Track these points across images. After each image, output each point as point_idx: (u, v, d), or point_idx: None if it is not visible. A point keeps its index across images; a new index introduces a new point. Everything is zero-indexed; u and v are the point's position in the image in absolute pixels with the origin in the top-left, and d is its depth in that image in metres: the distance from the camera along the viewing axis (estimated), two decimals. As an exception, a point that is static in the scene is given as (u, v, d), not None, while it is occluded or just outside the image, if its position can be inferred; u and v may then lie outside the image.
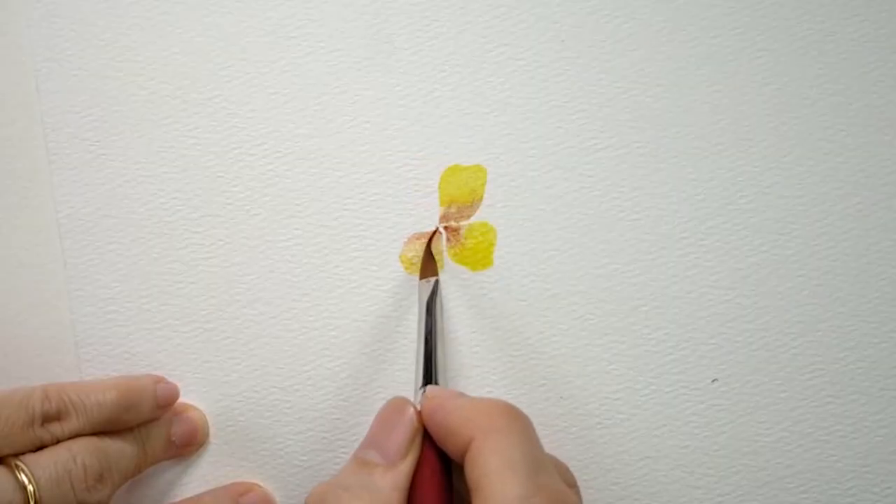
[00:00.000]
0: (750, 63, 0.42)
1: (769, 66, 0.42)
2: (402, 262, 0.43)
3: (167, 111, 0.43)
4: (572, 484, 0.37)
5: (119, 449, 0.39)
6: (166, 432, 0.42)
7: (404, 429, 0.36)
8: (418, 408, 0.37)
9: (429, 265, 0.42)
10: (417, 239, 0.43)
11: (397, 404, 0.38)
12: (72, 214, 0.43)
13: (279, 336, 0.43)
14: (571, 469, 0.42)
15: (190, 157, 0.43)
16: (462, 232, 0.43)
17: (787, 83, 0.42)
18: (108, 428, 0.40)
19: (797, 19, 0.41)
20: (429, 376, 0.39)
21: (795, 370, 0.42)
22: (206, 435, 0.43)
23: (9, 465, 0.36)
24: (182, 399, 0.43)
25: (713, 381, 0.42)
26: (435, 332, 0.40)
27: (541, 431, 0.42)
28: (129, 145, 0.43)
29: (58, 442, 0.38)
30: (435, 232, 0.42)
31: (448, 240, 0.43)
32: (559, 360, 0.42)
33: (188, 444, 0.43)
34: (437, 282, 0.42)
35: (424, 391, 0.38)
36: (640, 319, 0.42)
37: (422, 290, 0.42)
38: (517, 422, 0.35)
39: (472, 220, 0.43)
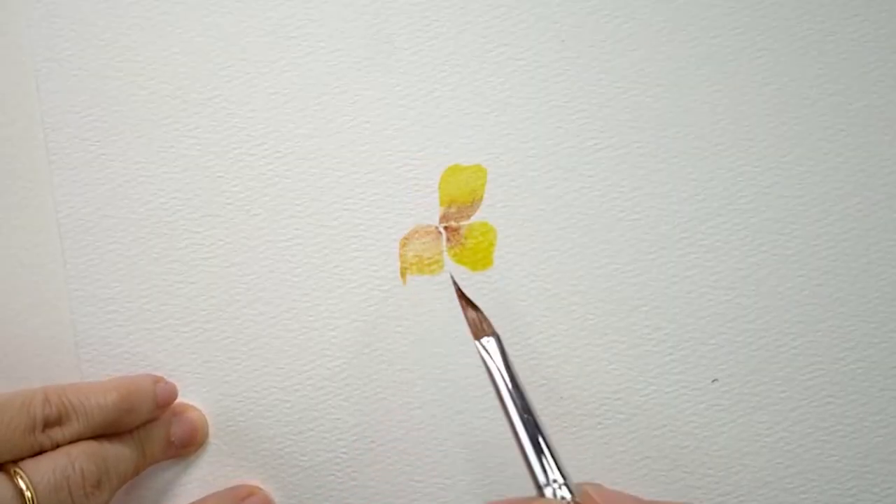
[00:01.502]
0: (750, 63, 0.42)
1: (769, 66, 0.42)
2: (401, 261, 0.43)
3: (167, 111, 0.43)
4: None
5: (117, 453, 0.39)
6: (165, 433, 0.42)
7: None
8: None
9: (481, 322, 0.37)
10: (416, 234, 0.43)
11: None
12: (72, 214, 0.43)
13: (279, 336, 0.43)
14: (571, 469, 0.42)
15: (190, 157, 0.43)
16: (462, 232, 0.43)
17: (787, 83, 0.42)
18: (109, 430, 0.40)
19: (797, 19, 0.41)
20: (546, 467, 0.34)
21: (795, 370, 0.42)
22: (206, 435, 0.43)
23: (7, 472, 0.36)
24: (182, 399, 0.43)
25: (713, 381, 0.42)
26: (529, 403, 0.34)
27: (541, 431, 0.42)
28: (129, 145, 0.43)
29: (57, 447, 0.38)
30: (457, 288, 0.40)
31: (448, 240, 0.43)
32: (559, 360, 0.42)
33: (188, 445, 0.43)
34: (498, 338, 0.36)
35: (566, 487, 0.33)
36: (640, 319, 0.42)
37: (483, 352, 0.36)
38: None
39: (472, 220, 0.43)
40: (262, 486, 0.43)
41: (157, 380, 0.42)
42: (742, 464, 0.42)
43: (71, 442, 0.38)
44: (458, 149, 0.43)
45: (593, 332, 0.42)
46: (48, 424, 0.38)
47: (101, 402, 0.39)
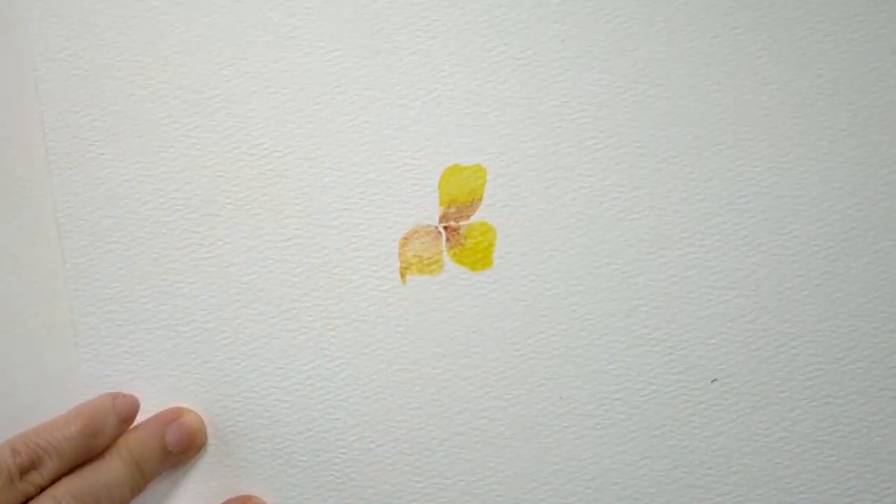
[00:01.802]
0: (750, 63, 0.42)
1: (769, 66, 0.42)
2: (401, 261, 0.43)
3: (167, 111, 0.43)
4: None
5: (107, 479, 0.39)
6: (160, 445, 0.42)
7: None
8: None
9: None
10: (416, 234, 0.43)
11: None
12: (71, 214, 0.43)
13: (279, 336, 0.43)
14: (570, 469, 0.42)
15: (189, 157, 0.43)
16: (462, 232, 0.43)
17: (787, 83, 0.42)
18: (84, 458, 0.40)
19: (797, 19, 0.41)
20: None
21: (795, 370, 0.42)
22: (204, 436, 0.43)
23: None
24: (179, 401, 0.43)
25: (713, 381, 0.42)
26: None
27: (540, 432, 0.42)
28: (128, 145, 0.43)
29: (42, 490, 0.38)
30: None
31: (448, 240, 0.43)
32: (559, 360, 0.42)
33: (187, 450, 0.42)
34: None
35: None
36: (640, 319, 0.42)
37: None
38: None
39: (472, 219, 0.43)
40: (261, 485, 0.43)
41: (115, 396, 0.42)
42: (741, 464, 0.42)
43: (53, 481, 0.38)
44: (458, 148, 0.43)
45: (593, 332, 0.42)
46: (23, 471, 0.38)
47: (67, 435, 0.39)
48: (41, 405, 0.44)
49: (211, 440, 0.43)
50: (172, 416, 0.42)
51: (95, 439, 0.40)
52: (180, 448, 0.42)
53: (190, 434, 0.42)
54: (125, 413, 0.41)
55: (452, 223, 0.43)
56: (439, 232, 0.43)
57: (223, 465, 0.43)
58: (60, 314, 0.44)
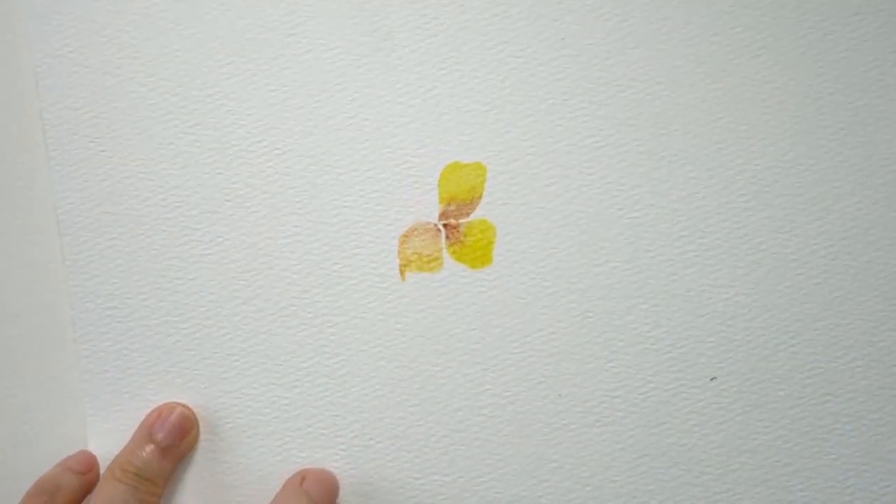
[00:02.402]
0: (750, 62, 0.42)
1: (769, 66, 0.42)
2: (400, 259, 0.43)
3: (167, 108, 0.43)
4: None
5: None
6: (154, 448, 0.42)
7: None
8: None
9: None
10: (416, 231, 0.43)
11: None
12: (71, 211, 0.43)
13: (277, 333, 0.43)
14: (569, 466, 0.42)
15: (189, 154, 0.43)
16: (461, 229, 0.43)
17: (787, 82, 0.42)
18: None
19: (797, 19, 0.41)
20: None
21: (794, 368, 0.42)
22: (194, 419, 0.43)
23: None
24: (175, 399, 0.43)
25: (712, 379, 0.42)
26: None
27: (540, 429, 0.42)
28: (128, 142, 0.43)
29: None
30: None
31: (447, 237, 0.43)
32: (558, 358, 0.42)
33: (182, 439, 0.42)
34: None
35: None
36: (639, 317, 0.42)
37: None
38: None
39: (472, 217, 0.43)
40: (259, 483, 0.43)
41: (65, 459, 0.43)
42: (740, 462, 0.42)
43: None
44: (458, 146, 0.43)
45: (592, 329, 0.42)
46: None
47: None
48: (41, 404, 0.44)
49: (209, 437, 0.43)
50: (154, 417, 0.43)
51: (58, 496, 0.41)
52: (174, 440, 0.42)
53: (177, 423, 0.42)
54: (79, 466, 0.43)
55: (452, 221, 0.43)
56: (439, 229, 0.43)
57: (221, 461, 0.43)
58: (60, 312, 0.44)
